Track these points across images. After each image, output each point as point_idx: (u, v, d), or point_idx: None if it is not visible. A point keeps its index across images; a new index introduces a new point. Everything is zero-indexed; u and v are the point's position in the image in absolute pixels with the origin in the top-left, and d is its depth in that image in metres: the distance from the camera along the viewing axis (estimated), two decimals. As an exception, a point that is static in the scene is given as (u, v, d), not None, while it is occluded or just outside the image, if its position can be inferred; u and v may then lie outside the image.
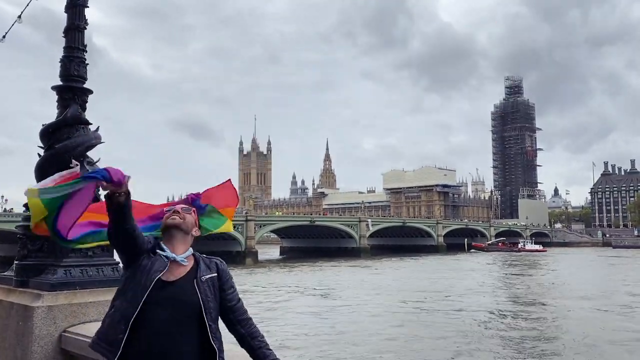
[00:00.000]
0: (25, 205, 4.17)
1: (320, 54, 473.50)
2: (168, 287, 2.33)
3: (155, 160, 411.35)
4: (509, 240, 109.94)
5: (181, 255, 2.44)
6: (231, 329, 2.45)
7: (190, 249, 2.51)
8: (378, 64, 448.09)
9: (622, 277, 45.61)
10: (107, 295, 3.78)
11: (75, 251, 3.83)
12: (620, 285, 38.53)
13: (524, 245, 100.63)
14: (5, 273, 4.20)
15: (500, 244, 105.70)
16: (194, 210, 2.65)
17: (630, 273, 49.44)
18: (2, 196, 70.74)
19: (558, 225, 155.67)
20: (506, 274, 51.10)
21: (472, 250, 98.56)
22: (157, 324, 2.26)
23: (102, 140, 4.18)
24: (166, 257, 2.41)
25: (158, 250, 2.44)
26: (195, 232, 2.58)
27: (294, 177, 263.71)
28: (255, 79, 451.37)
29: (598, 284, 39.19)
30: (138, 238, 2.41)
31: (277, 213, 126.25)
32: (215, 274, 2.45)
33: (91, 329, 3.47)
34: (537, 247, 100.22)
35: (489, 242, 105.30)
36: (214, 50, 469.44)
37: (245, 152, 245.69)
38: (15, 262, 4.03)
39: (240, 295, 2.53)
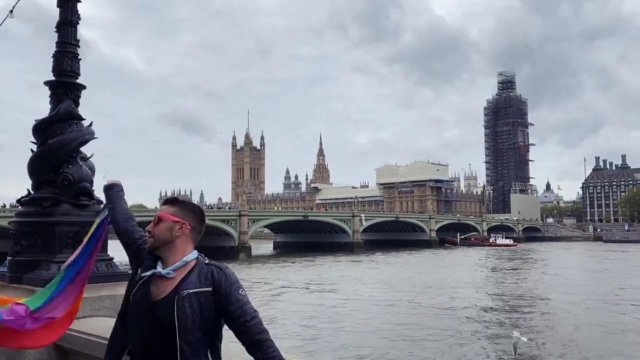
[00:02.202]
0: (19, 201, 4.18)
1: (312, 47, 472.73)
2: (151, 307, 2.08)
3: (148, 155, 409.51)
4: (481, 235, 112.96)
5: (170, 266, 2.13)
6: (248, 350, 2.06)
7: (190, 255, 2.17)
8: (370, 57, 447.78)
9: (581, 268, 46.32)
10: (100, 291, 3.79)
11: (69, 247, 3.83)
12: (578, 277, 39.19)
13: (495, 240, 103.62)
14: (-2, 269, 4.18)
15: (472, 238, 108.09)
16: (163, 214, 2.23)
17: (592, 265, 50.06)
18: (-7, 191, 70.10)
19: (550, 220, 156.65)
20: (486, 267, 51.54)
21: (446, 245, 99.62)
22: (138, 350, 2.10)
23: (95, 136, 4.18)
24: (142, 275, 2.17)
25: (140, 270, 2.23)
26: (179, 231, 2.18)
27: (287, 172, 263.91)
28: (247, 73, 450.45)
29: (566, 277, 39.83)
30: (120, 226, 2.53)
31: (275, 208, 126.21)
32: (208, 288, 2.06)
33: (85, 324, 3.48)
34: (507, 241, 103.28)
35: (462, 237, 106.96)
36: (206, 44, 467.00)
37: (238, 147, 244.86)
38: (9, 258, 4.02)
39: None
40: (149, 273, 2.13)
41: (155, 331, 2.05)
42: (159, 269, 2.13)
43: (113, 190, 2.72)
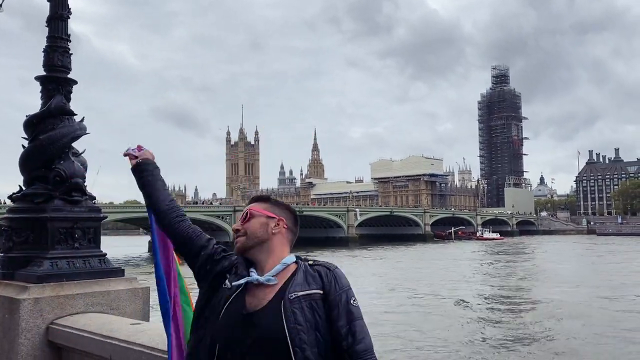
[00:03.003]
0: (10, 197, 4.15)
1: (305, 41, 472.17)
2: (248, 318, 1.67)
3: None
4: (468, 229, 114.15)
5: (268, 273, 1.74)
6: None
7: (289, 257, 1.81)
8: (363, 51, 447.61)
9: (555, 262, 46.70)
10: (94, 287, 3.77)
11: (61, 243, 3.82)
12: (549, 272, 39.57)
13: (482, 234, 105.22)
14: (-10, 266, 4.16)
15: (460, 232, 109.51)
16: (256, 208, 1.87)
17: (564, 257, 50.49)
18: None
19: (544, 214, 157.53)
20: (472, 260, 51.87)
21: (434, 239, 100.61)
22: None
23: (87, 131, 4.15)
24: (234, 285, 1.75)
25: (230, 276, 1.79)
26: (276, 228, 1.83)
27: (282, 167, 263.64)
28: (241, 67, 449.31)
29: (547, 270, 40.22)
30: (176, 228, 1.94)
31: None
32: (319, 290, 1.68)
33: (78, 320, 3.47)
34: (494, 235, 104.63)
35: (449, 231, 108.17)
36: (198, 38, 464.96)
37: (232, 142, 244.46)
38: (0, 254, 4.00)
39: None
40: (242, 281, 1.73)
41: (258, 351, 1.62)
42: (254, 275, 1.74)
43: (145, 170, 2.12)
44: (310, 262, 1.79)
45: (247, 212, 1.85)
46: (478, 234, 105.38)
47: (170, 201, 2.05)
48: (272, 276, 1.72)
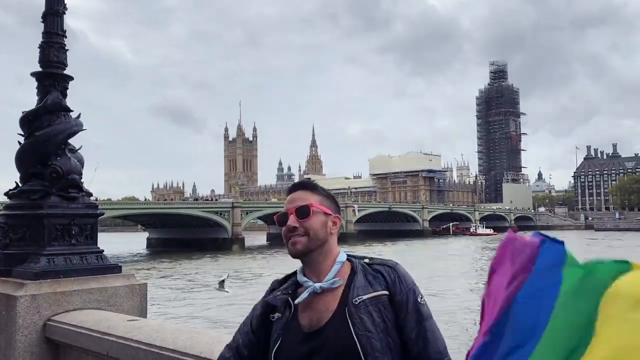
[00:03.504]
0: (7, 194, 4.14)
1: (303, 37, 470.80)
2: (314, 337, 1.49)
3: (138, 147, 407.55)
4: (463, 225, 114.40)
5: (327, 278, 1.54)
6: None
7: (341, 255, 1.59)
8: (361, 47, 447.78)
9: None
10: (91, 283, 3.77)
11: (58, 239, 3.81)
12: None
13: (476, 230, 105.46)
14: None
15: (454, 227, 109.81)
16: (315, 203, 1.58)
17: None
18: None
19: (542, 209, 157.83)
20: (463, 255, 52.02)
21: (433, 235, 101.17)
22: None
23: (83, 128, 4.14)
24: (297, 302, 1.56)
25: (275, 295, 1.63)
26: (334, 227, 1.60)
27: (280, 163, 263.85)
28: (238, 63, 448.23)
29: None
30: None
31: (273, 199, 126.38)
32: (384, 291, 1.49)
33: (76, 317, 3.47)
34: (488, 231, 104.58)
35: (444, 226, 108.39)
36: (195, 34, 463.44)
37: (230, 139, 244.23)
38: (-3, 251, 3.99)
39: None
40: (306, 294, 1.53)
41: None
42: (314, 283, 1.54)
43: None
44: (367, 261, 1.57)
45: (307, 207, 1.54)
46: (472, 230, 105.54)
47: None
48: (336, 278, 1.53)
